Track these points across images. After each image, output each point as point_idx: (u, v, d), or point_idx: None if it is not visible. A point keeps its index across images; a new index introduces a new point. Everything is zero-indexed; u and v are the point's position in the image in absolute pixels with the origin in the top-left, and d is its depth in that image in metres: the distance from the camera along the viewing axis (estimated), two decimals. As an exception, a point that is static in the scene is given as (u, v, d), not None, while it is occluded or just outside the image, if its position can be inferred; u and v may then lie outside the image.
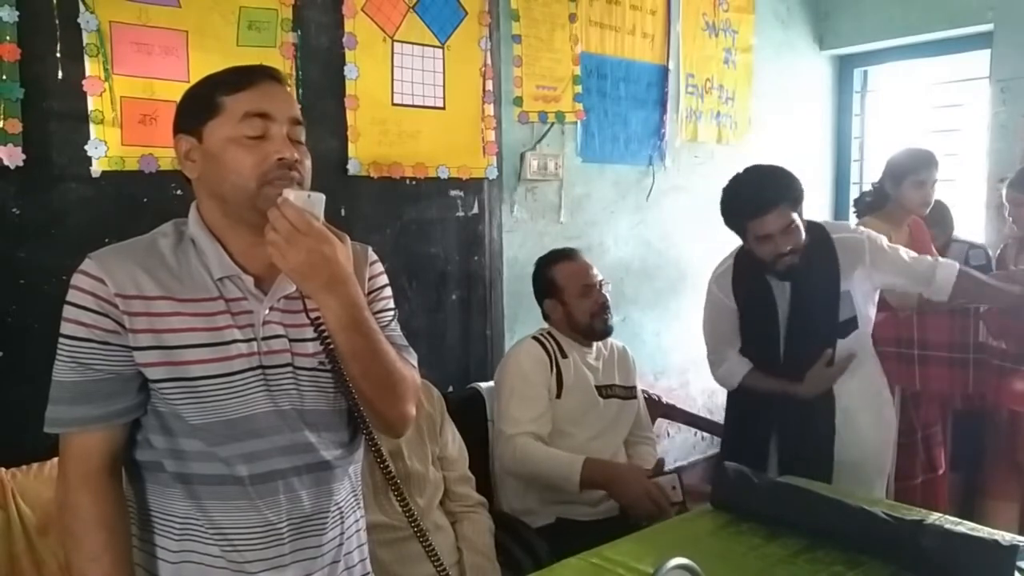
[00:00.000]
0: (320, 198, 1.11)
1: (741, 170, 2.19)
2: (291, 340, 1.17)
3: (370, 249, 1.31)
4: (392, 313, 1.31)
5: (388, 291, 1.32)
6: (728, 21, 3.54)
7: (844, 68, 4.15)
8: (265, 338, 1.15)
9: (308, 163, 1.17)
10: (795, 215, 2.09)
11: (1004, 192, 2.95)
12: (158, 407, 1.14)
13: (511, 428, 2.17)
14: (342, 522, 1.24)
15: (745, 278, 2.25)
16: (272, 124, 1.13)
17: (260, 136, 1.12)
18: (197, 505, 1.14)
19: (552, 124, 2.90)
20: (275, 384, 1.15)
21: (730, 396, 2.42)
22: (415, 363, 1.28)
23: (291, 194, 1.09)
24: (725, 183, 2.20)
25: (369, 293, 1.26)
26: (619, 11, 3.08)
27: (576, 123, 2.98)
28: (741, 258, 2.29)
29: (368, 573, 1.31)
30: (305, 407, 1.17)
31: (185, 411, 1.11)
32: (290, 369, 1.16)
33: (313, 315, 1.13)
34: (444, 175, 2.58)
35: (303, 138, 1.19)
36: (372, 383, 1.16)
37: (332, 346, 1.13)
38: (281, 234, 1.07)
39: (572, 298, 2.29)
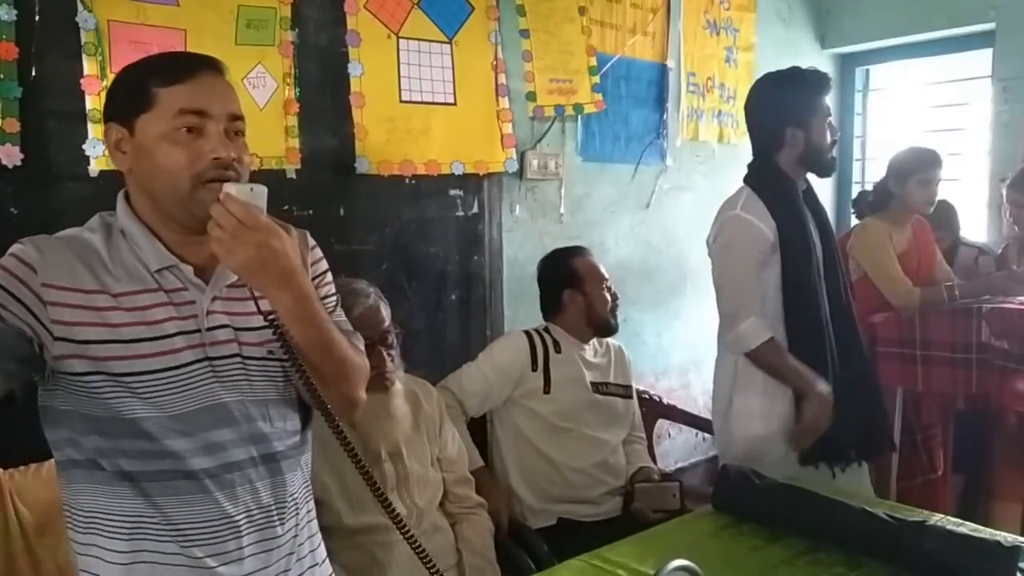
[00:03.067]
0: (262, 191, 1.07)
1: None
2: (236, 329, 1.14)
3: (308, 234, 1.26)
4: (335, 299, 1.28)
5: (329, 276, 1.28)
6: (729, 19, 3.53)
7: (846, 67, 4.13)
8: (210, 328, 1.12)
9: (247, 159, 1.13)
10: None
11: (1004, 192, 2.94)
12: (94, 408, 1.07)
13: (452, 385, 2.26)
14: (297, 513, 1.22)
15: (785, 188, 2.11)
16: (209, 121, 1.08)
17: (196, 133, 1.08)
18: (149, 503, 1.10)
19: (555, 119, 2.88)
20: (224, 375, 1.12)
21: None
22: (363, 347, 1.26)
23: (233, 188, 1.05)
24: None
25: (312, 279, 1.21)
26: (620, 9, 3.06)
27: (591, 115, 2.96)
28: (774, 178, 2.15)
29: (317, 564, 1.27)
30: (256, 397, 1.15)
31: (128, 408, 1.07)
32: (238, 359, 1.14)
33: (265, 310, 1.10)
34: (459, 171, 2.56)
35: (243, 132, 1.14)
36: (327, 372, 1.14)
37: (288, 339, 1.10)
38: (227, 230, 1.02)
39: (594, 288, 2.34)
